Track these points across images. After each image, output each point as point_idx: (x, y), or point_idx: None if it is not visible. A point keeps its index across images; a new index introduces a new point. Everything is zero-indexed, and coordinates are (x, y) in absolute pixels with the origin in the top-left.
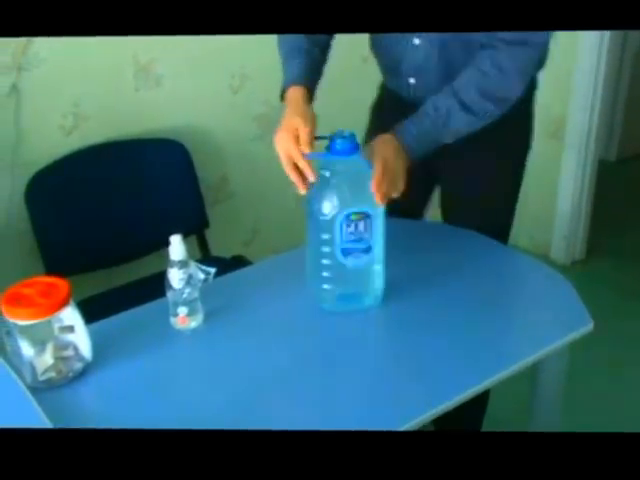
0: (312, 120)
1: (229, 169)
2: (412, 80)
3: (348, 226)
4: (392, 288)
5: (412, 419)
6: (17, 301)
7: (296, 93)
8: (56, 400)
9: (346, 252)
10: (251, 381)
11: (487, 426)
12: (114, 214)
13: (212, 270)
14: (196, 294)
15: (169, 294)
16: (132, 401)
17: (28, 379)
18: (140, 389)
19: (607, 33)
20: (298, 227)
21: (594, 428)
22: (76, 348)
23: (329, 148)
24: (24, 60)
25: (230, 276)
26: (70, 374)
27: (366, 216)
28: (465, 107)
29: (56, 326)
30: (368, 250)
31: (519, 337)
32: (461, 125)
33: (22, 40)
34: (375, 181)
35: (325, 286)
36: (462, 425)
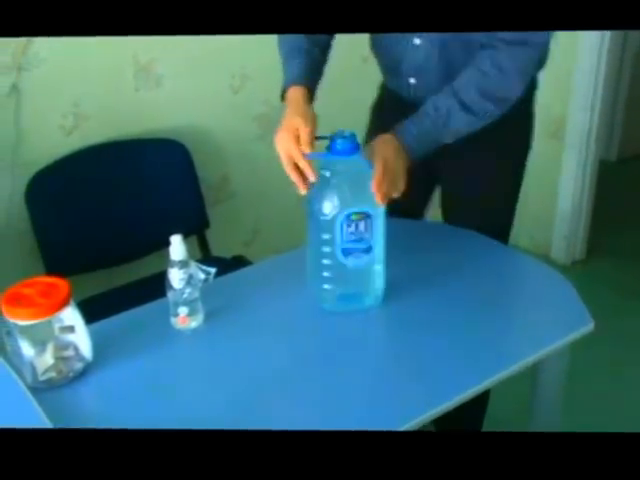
0: (312, 120)
1: (229, 169)
2: (412, 80)
3: (348, 226)
4: (392, 288)
5: (412, 419)
6: (17, 301)
7: (296, 93)
8: (56, 400)
9: (346, 252)
10: (251, 381)
11: (487, 426)
12: (114, 214)
13: (212, 270)
14: (196, 294)
15: (169, 294)
16: (132, 401)
17: (28, 379)
18: (140, 389)
19: (607, 33)
20: (298, 227)
21: (594, 428)
22: (76, 348)
23: (329, 148)
24: (24, 60)
25: (230, 276)
26: (70, 374)
27: (366, 216)
28: (465, 107)
29: (56, 326)
30: (368, 250)
31: (519, 337)
32: (461, 125)
33: (22, 40)
34: (375, 181)
35: (325, 286)
36: (462, 425)
